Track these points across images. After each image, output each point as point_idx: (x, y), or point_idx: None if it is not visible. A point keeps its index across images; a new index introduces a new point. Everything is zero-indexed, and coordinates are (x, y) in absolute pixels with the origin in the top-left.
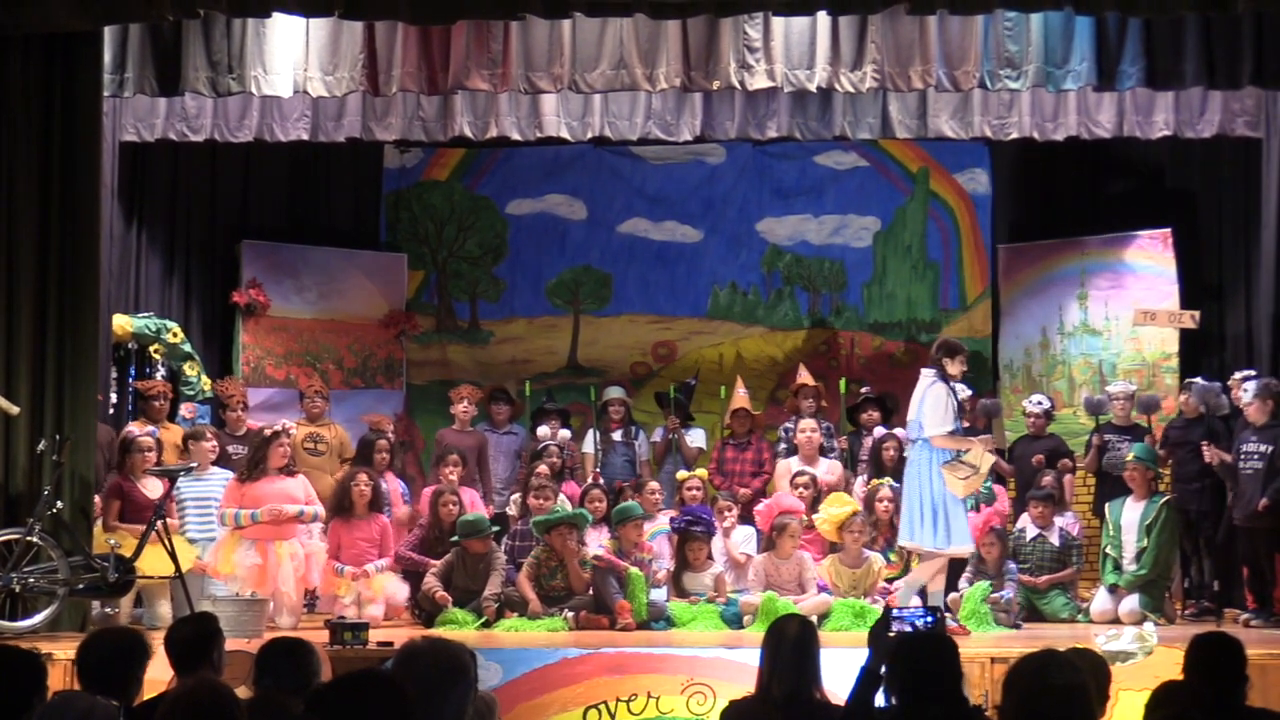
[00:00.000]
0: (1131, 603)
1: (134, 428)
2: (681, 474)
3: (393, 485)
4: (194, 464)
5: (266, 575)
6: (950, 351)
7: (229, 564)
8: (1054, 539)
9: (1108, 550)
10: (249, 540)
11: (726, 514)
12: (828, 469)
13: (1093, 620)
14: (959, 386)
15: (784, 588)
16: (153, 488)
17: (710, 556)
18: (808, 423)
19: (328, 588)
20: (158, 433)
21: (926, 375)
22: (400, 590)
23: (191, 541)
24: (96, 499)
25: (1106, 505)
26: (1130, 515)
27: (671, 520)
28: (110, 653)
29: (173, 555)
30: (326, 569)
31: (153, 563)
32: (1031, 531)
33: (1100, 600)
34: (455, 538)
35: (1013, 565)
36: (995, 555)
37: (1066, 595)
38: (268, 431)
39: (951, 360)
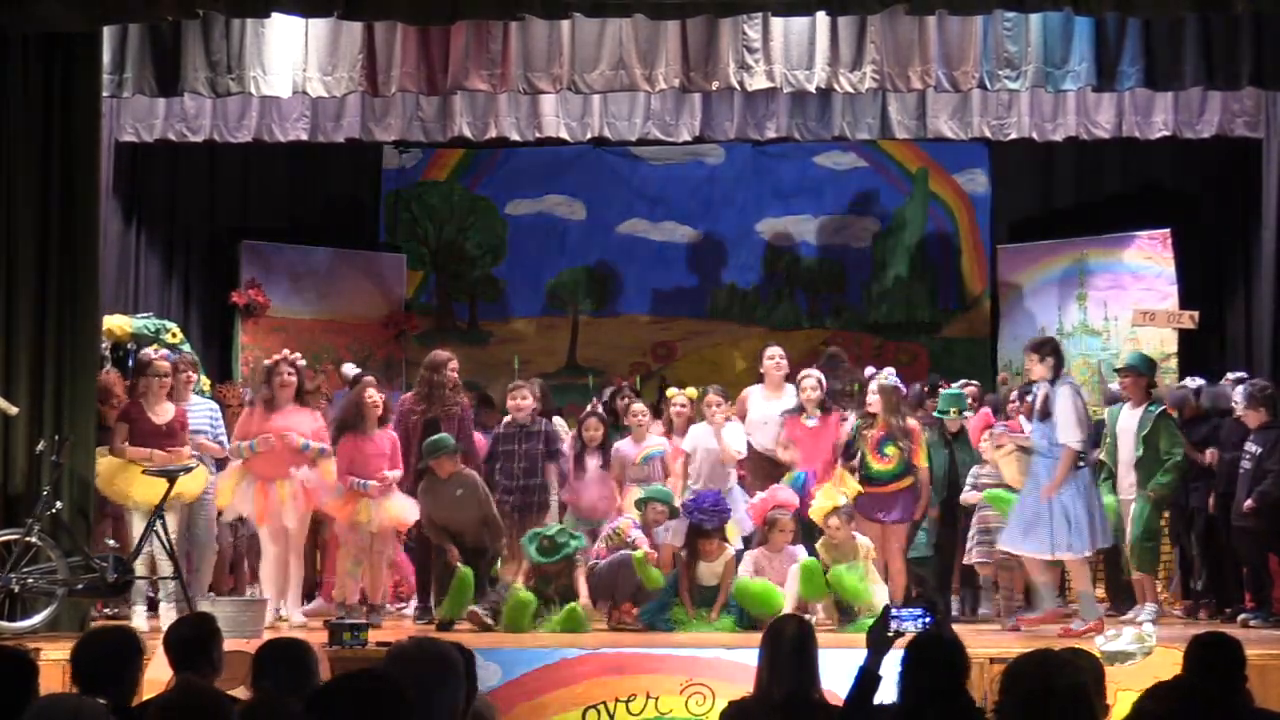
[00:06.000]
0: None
1: (148, 351)
2: (671, 391)
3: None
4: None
5: (267, 512)
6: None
7: (228, 495)
8: None
9: (1102, 458)
10: (251, 477)
11: (716, 409)
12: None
13: None
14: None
15: (775, 581)
16: (163, 412)
17: (724, 539)
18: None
19: (346, 512)
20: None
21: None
22: (410, 511)
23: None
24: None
25: (1106, 410)
26: (1127, 422)
27: (684, 506)
28: (104, 652)
29: (172, 556)
30: (345, 493)
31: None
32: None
33: None
34: (421, 464)
35: None
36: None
37: None
38: (268, 361)
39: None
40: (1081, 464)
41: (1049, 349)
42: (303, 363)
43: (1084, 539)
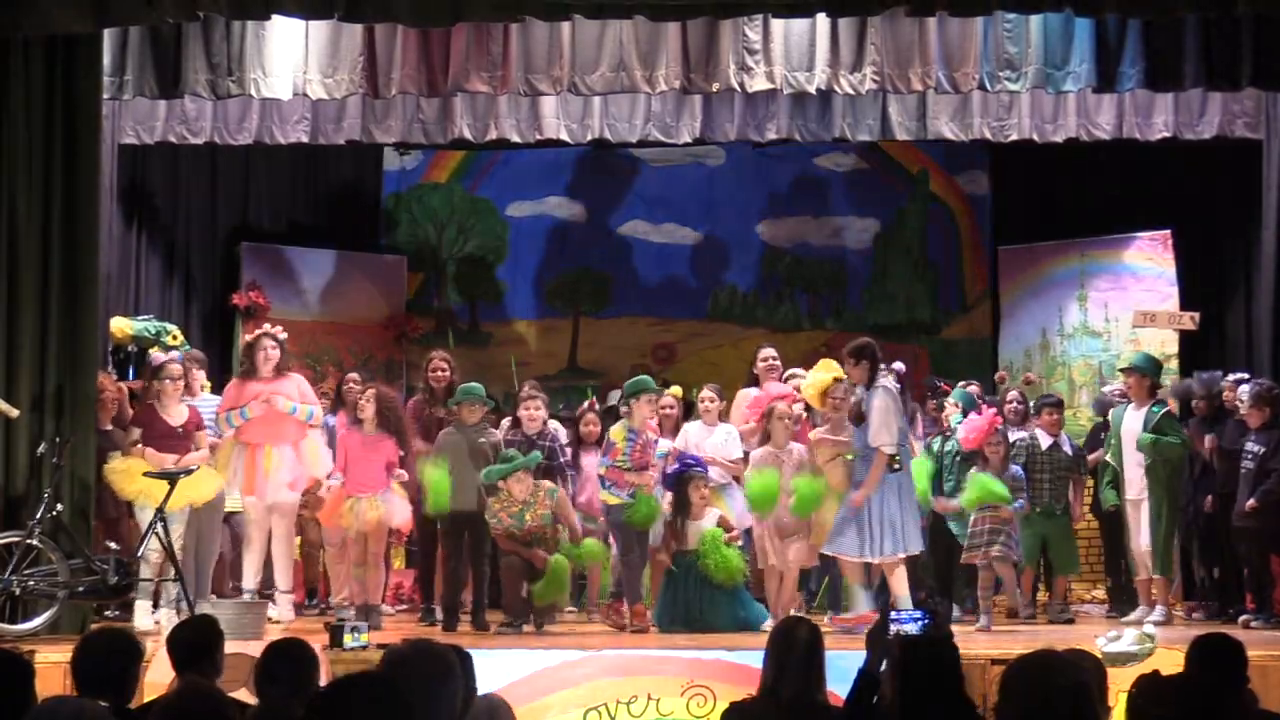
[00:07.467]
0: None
1: (159, 353)
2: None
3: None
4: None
5: (254, 481)
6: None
7: (223, 468)
8: (1066, 448)
9: (1108, 459)
10: (242, 444)
11: (709, 405)
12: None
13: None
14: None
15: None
16: (177, 415)
17: (703, 497)
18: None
19: (331, 517)
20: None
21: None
22: (399, 513)
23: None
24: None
25: (1111, 410)
26: (1131, 423)
27: (666, 472)
28: (105, 653)
29: (171, 557)
30: (334, 497)
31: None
32: (1046, 441)
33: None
34: (450, 403)
35: (1017, 469)
36: (1000, 455)
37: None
38: (250, 336)
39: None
40: (897, 467)
41: (866, 353)
42: (284, 336)
43: (897, 542)
